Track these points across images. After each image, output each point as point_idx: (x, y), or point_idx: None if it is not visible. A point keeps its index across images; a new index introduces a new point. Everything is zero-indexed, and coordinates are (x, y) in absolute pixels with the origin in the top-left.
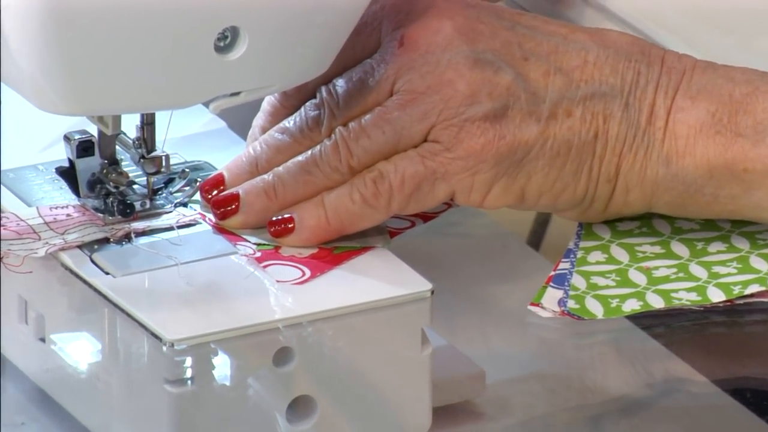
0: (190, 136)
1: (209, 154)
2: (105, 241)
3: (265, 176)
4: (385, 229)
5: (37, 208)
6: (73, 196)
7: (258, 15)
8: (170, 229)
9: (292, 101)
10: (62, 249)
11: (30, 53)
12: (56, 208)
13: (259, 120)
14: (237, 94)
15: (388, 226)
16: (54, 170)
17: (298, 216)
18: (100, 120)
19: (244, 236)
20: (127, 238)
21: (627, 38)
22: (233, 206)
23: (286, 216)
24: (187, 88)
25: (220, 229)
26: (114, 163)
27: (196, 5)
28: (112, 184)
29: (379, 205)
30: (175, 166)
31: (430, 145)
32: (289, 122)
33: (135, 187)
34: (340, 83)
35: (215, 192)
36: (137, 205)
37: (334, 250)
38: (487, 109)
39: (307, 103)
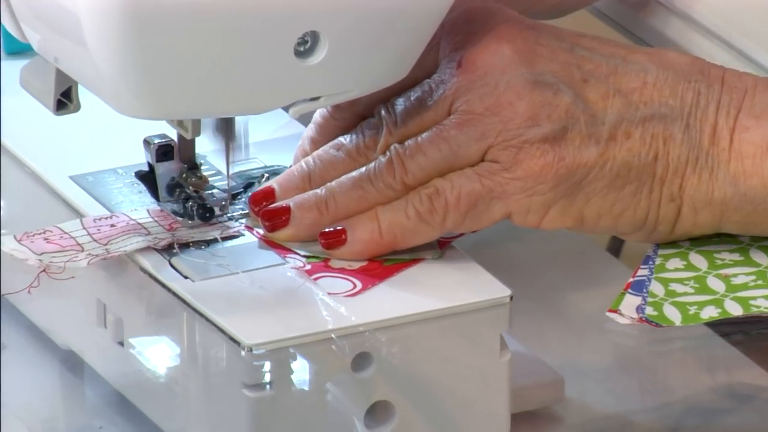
0: (270, 140)
1: (288, 159)
2: (185, 246)
3: (317, 191)
4: (434, 241)
5: (81, 220)
6: (152, 200)
7: (338, 20)
8: (214, 240)
9: (343, 114)
10: (104, 258)
11: (110, 57)
12: (100, 219)
13: (309, 132)
14: (317, 98)
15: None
16: (133, 174)
17: (351, 228)
18: (180, 124)
19: (293, 248)
20: (170, 248)
21: (686, 59)
22: (283, 218)
23: (338, 228)
24: (266, 92)
25: (267, 242)
26: (193, 167)
27: (276, 10)
28: (192, 188)
29: (434, 221)
30: (254, 171)
31: (488, 165)
32: (345, 139)
33: (214, 191)
34: (398, 102)
35: (264, 204)
36: (216, 209)
37: (384, 262)
38: (546, 131)
39: (365, 122)
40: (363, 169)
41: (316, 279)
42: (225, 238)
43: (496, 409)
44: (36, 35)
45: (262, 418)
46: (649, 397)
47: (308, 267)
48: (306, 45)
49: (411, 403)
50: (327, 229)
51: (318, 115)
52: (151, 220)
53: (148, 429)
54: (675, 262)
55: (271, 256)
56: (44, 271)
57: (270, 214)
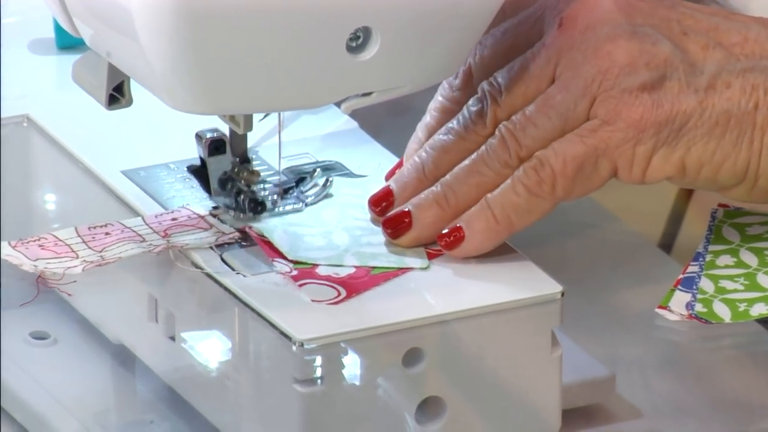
0: (322, 135)
1: (341, 154)
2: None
3: (433, 188)
4: (423, 250)
5: (76, 228)
6: (204, 195)
7: (390, 16)
8: (209, 248)
9: (458, 97)
10: (99, 265)
11: (162, 53)
12: (95, 227)
13: (424, 120)
14: (368, 94)
15: (427, 248)
16: (185, 169)
17: (466, 223)
18: (232, 119)
19: (284, 252)
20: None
21: None
22: (405, 222)
23: (454, 227)
24: (318, 87)
25: (260, 241)
26: (245, 161)
27: (328, 5)
28: (244, 182)
29: (544, 192)
30: (306, 166)
31: (589, 123)
32: (452, 122)
33: (266, 185)
34: (501, 73)
35: (383, 204)
36: (268, 204)
37: (371, 270)
38: (644, 78)
39: (470, 100)
40: (474, 154)
41: (301, 285)
42: (219, 246)
43: (547, 405)
44: (88, 30)
45: (313, 413)
46: (699, 394)
47: (295, 273)
48: (358, 41)
49: (462, 399)
50: (444, 231)
51: (434, 102)
52: (145, 227)
53: (199, 423)
54: (725, 259)
55: (256, 263)
56: (40, 276)
57: (391, 222)
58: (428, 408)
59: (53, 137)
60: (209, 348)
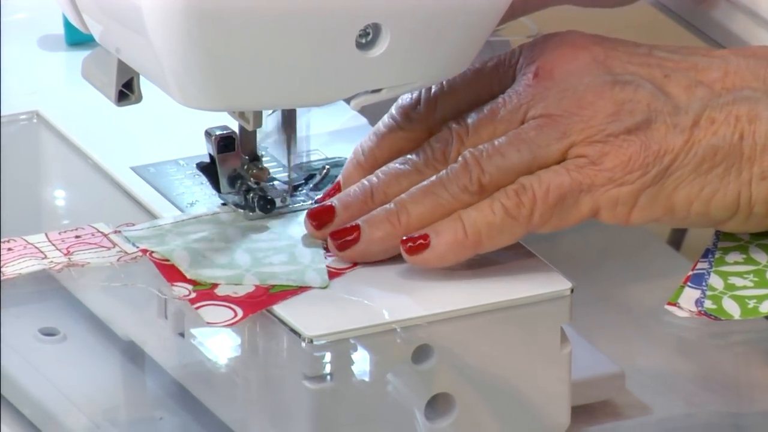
0: (331, 132)
1: (349, 150)
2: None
3: (387, 205)
4: (324, 269)
5: None
6: (213, 192)
7: (400, 12)
8: (110, 267)
9: (413, 126)
10: None
11: (172, 50)
12: None
13: (366, 143)
14: (378, 90)
15: (329, 266)
16: (195, 165)
17: (434, 231)
18: (242, 116)
19: (183, 270)
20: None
21: (767, 49)
22: (353, 236)
23: (420, 233)
24: (328, 84)
25: (159, 265)
26: (255, 159)
27: (338, 2)
28: (253, 180)
29: (521, 216)
30: (315, 162)
31: (576, 160)
32: (412, 154)
33: (275, 183)
34: (470, 115)
35: (323, 220)
36: (278, 201)
37: (270, 289)
38: (629, 124)
39: (432, 137)
40: (434, 177)
41: (197, 308)
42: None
43: (556, 401)
44: (98, 26)
45: (322, 409)
46: (709, 391)
47: (193, 296)
48: (368, 37)
49: (471, 396)
50: (408, 236)
51: (381, 125)
52: (48, 243)
53: (208, 420)
54: (734, 256)
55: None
56: None
57: (339, 233)
58: (438, 404)
59: (62, 133)
60: (218, 344)
